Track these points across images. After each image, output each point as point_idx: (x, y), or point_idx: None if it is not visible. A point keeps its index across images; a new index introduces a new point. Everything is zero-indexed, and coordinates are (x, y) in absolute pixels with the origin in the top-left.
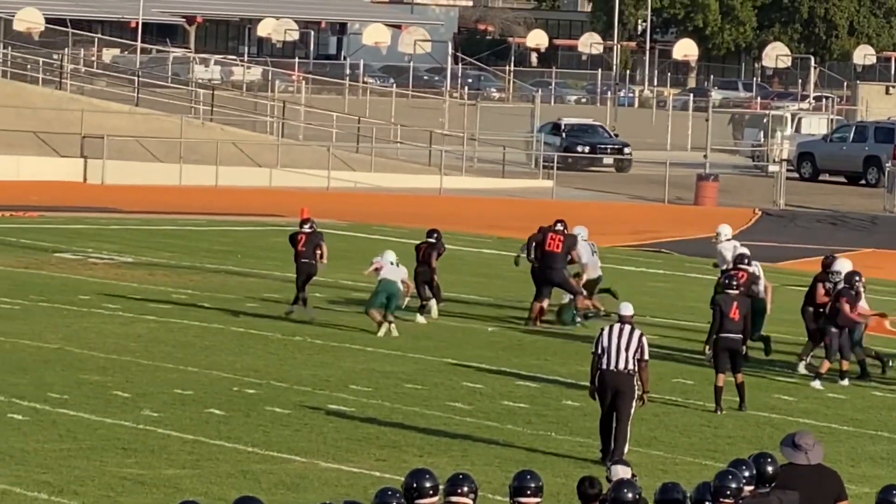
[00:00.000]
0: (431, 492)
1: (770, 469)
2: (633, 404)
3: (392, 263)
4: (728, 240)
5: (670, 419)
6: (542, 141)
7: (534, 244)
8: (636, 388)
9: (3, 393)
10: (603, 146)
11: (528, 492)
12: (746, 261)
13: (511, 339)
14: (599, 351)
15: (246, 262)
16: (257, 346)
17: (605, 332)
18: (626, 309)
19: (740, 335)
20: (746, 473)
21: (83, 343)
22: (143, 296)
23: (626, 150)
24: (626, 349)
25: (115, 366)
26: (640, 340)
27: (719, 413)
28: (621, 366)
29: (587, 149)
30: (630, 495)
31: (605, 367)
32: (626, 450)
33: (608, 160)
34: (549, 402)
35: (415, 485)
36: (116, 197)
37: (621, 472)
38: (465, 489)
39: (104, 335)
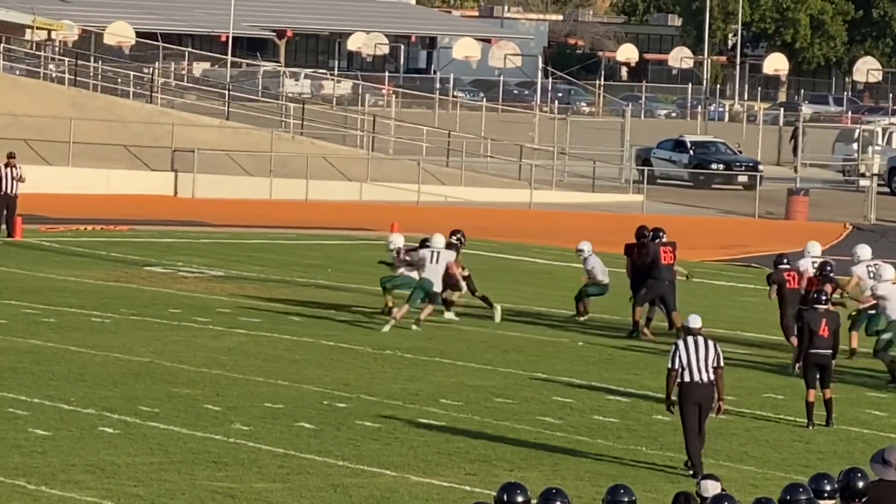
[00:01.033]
0: None
1: (861, 484)
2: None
3: (433, 257)
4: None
5: (761, 434)
6: (665, 158)
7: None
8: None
9: (94, 406)
10: (738, 164)
11: None
12: (785, 261)
13: (601, 353)
14: (678, 366)
15: (336, 275)
16: (347, 360)
17: (682, 347)
18: (695, 321)
19: (830, 350)
20: (828, 487)
21: (173, 356)
22: (233, 309)
23: (760, 167)
24: (706, 360)
25: (205, 379)
26: (716, 349)
27: (811, 428)
28: (704, 378)
29: (722, 166)
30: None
31: (689, 380)
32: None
33: (742, 178)
34: (640, 417)
35: (506, 498)
36: (206, 211)
37: (711, 487)
38: (558, 503)
39: (194, 348)
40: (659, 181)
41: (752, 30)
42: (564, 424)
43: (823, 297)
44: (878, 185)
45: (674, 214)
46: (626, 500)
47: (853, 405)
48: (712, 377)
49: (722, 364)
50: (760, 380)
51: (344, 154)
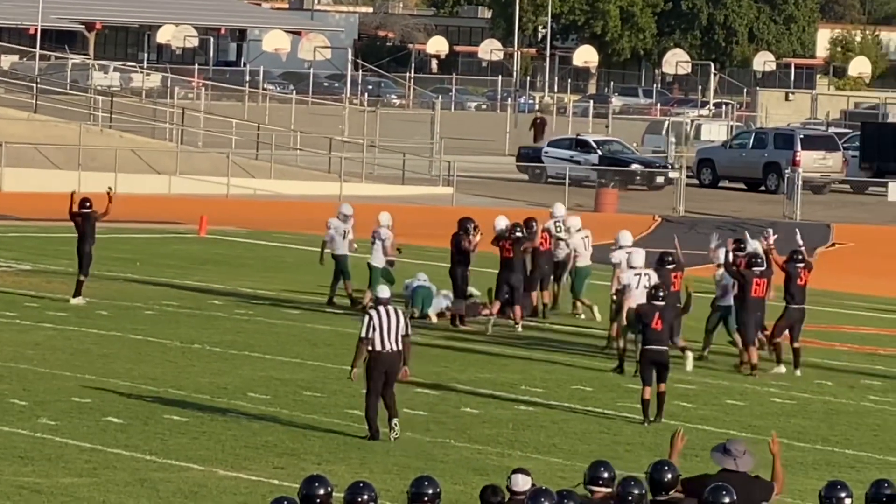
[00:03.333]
0: (319, 500)
1: (668, 477)
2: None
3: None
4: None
5: (569, 426)
6: (565, 157)
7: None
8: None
9: None
10: (655, 164)
11: (426, 498)
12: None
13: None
14: (370, 334)
15: (145, 269)
16: (155, 354)
17: (375, 316)
18: (384, 292)
19: (666, 347)
20: (605, 475)
21: None
22: (40, 303)
23: (668, 168)
24: (397, 329)
25: (11, 374)
26: (405, 318)
27: (646, 425)
28: (393, 347)
29: (641, 166)
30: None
31: (380, 348)
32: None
33: (660, 178)
34: (448, 410)
35: (306, 492)
36: (14, 204)
37: (521, 481)
38: (366, 497)
39: (1, 343)
40: (550, 180)
41: (561, 22)
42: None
43: (660, 294)
44: (687, 177)
45: (483, 207)
46: (430, 492)
47: None
48: (399, 346)
49: (409, 333)
50: (569, 372)
51: (153, 147)
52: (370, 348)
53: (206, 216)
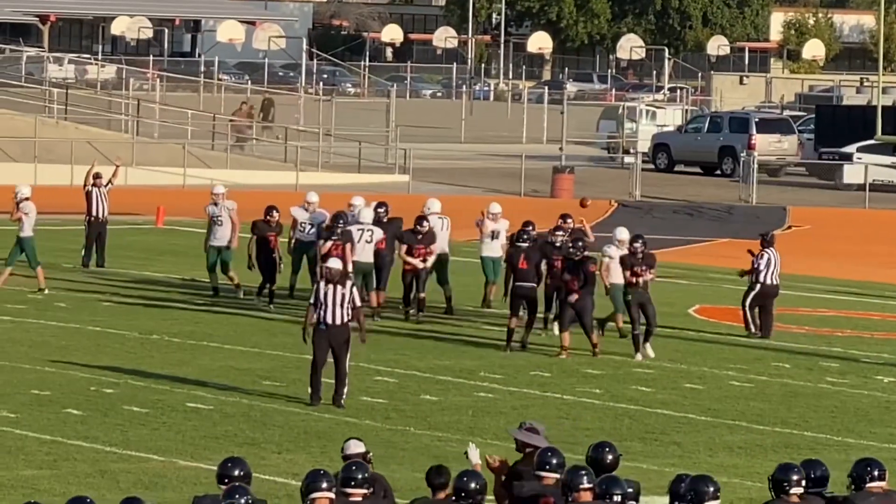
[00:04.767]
0: (226, 479)
1: (609, 458)
2: (350, 347)
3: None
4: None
5: (528, 412)
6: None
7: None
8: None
9: None
10: None
11: (352, 484)
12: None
13: (368, 334)
14: (318, 304)
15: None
16: (114, 345)
17: (322, 288)
18: (336, 263)
19: (533, 283)
20: (554, 461)
21: None
22: None
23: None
24: (342, 304)
25: None
26: (352, 292)
27: (508, 352)
28: (338, 320)
29: None
30: (473, 485)
31: (325, 320)
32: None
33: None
34: (408, 397)
35: (218, 471)
36: None
37: (353, 445)
38: (324, 485)
39: None
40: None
41: (516, 8)
42: (333, 406)
43: (525, 237)
44: (643, 161)
45: (440, 194)
46: (359, 477)
47: (620, 381)
48: (347, 318)
49: (358, 303)
50: (527, 358)
51: (108, 139)
52: (317, 320)
53: (163, 207)
